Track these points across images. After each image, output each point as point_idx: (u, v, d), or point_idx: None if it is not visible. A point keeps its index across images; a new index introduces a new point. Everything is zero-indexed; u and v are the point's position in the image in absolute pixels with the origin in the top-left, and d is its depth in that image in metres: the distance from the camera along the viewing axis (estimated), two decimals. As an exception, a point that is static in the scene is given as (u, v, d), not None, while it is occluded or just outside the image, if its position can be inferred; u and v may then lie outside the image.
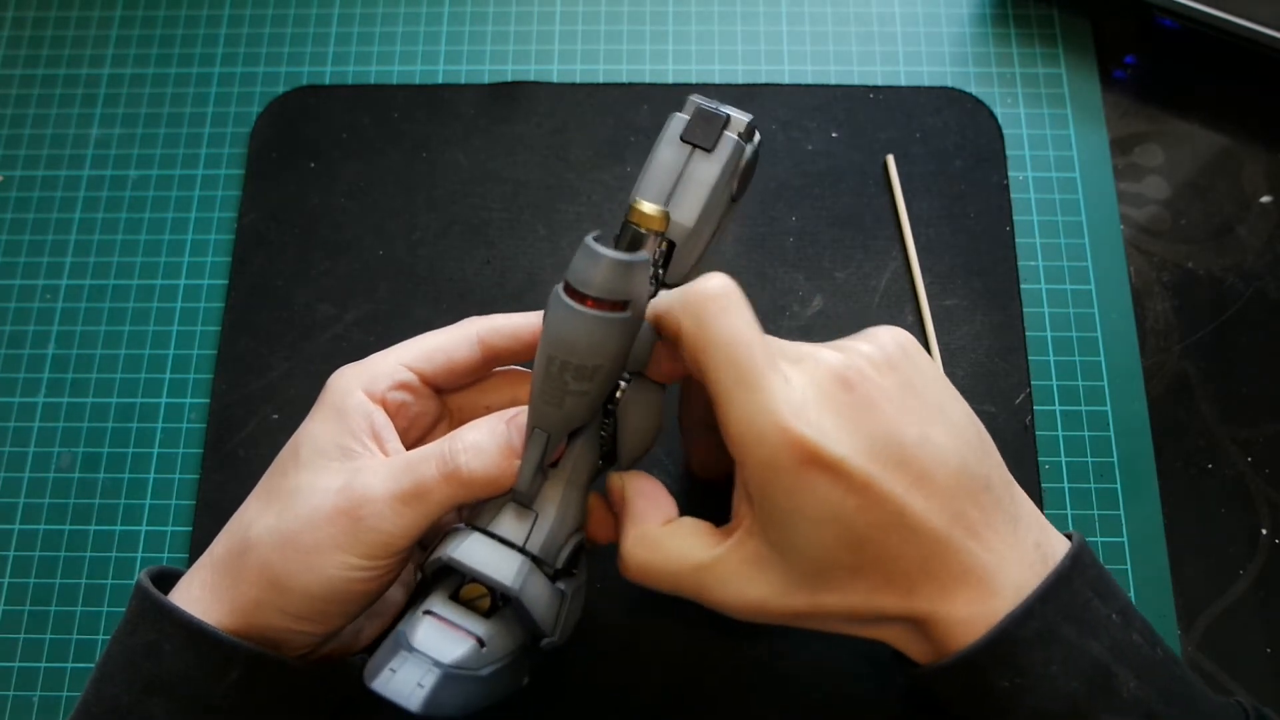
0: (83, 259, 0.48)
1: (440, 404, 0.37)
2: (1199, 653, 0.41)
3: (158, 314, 0.47)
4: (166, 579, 0.34)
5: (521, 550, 0.32)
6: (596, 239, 0.29)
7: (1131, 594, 0.42)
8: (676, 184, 0.33)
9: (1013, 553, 0.30)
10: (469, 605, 0.32)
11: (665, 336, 0.32)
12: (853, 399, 0.29)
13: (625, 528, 0.33)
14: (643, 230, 0.32)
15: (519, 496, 0.32)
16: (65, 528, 0.44)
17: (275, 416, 0.45)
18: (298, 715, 0.34)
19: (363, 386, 0.34)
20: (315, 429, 0.34)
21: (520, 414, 0.33)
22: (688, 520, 0.33)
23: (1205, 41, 0.49)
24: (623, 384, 0.34)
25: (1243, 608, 0.42)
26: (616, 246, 0.32)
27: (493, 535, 0.32)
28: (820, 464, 0.28)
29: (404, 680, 0.29)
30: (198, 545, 0.43)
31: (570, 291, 0.29)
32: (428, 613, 0.32)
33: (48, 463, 0.45)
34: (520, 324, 0.36)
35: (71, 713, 0.32)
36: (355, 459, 0.33)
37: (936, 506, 0.29)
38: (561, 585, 0.33)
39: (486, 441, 0.32)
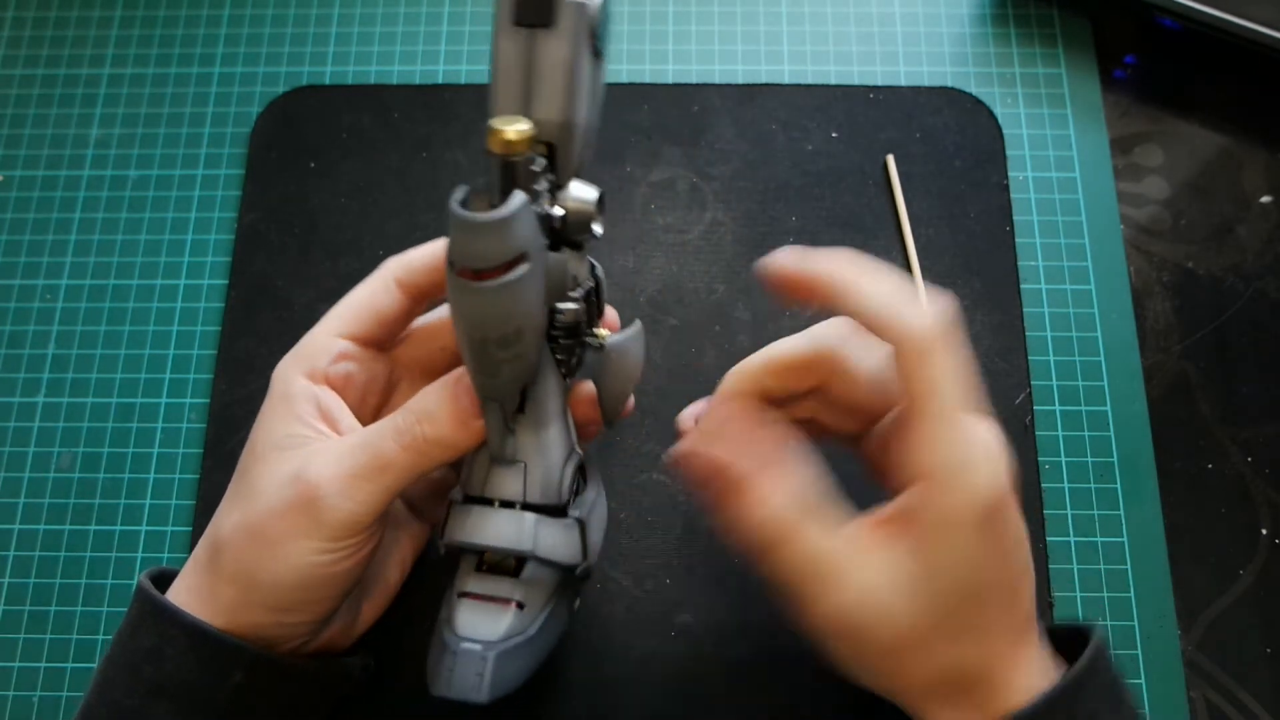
0: (83, 259, 0.48)
1: (388, 362, 0.37)
2: (1199, 653, 0.41)
3: (158, 314, 0.47)
4: (164, 579, 0.34)
5: (523, 505, 0.32)
6: (463, 202, 0.26)
7: (1131, 594, 0.42)
8: (529, 79, 0.29)
9: (1040, 658, 0.31)
10: (498, 569, 0.32)
11: (878, 335, 0.30)
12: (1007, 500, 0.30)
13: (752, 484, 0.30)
14: (512, 157, 0.27)
15: (499, 459, 0.32)
16: (65, 528, 0.44)
17: (275, 416, 0.45)
18: (299, 716, 0.34)
19: (303, 371, 0.34)
20: (265, 422, 0.34)
21: (464, 376, 0.32)
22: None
23: (1205, 41, 0.49)
24: (594, 341, 0.33)
25: (1243, 608, 0.42)
26: (490, 186, 0.28)
27: (490, 501, 0.32)
28: (1005, 514, 0.29)
29: (463, 677, 0.29)
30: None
31: (457, 270, 0.26)
32: (461, 595, 0.32)
33: (48, 463, 0.45)
34: (431, 253, 0.35)
35: (74, 716, 0.32)
36: (308, 444, 0.32)
37: (1032, 603, 0.31)
38: (574, 513, 0.33)
39: (436, 408, 0.32)
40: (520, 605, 0.31)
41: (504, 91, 0.29)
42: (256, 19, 0.53)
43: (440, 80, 0.51)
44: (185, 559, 0.42)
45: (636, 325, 0.35)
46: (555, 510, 0.32)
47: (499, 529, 0.31)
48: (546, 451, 0.32)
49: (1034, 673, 0.31)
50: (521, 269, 0.26)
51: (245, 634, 0.32)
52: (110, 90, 0.51)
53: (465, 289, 0.26)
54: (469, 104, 0.50)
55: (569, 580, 0.33)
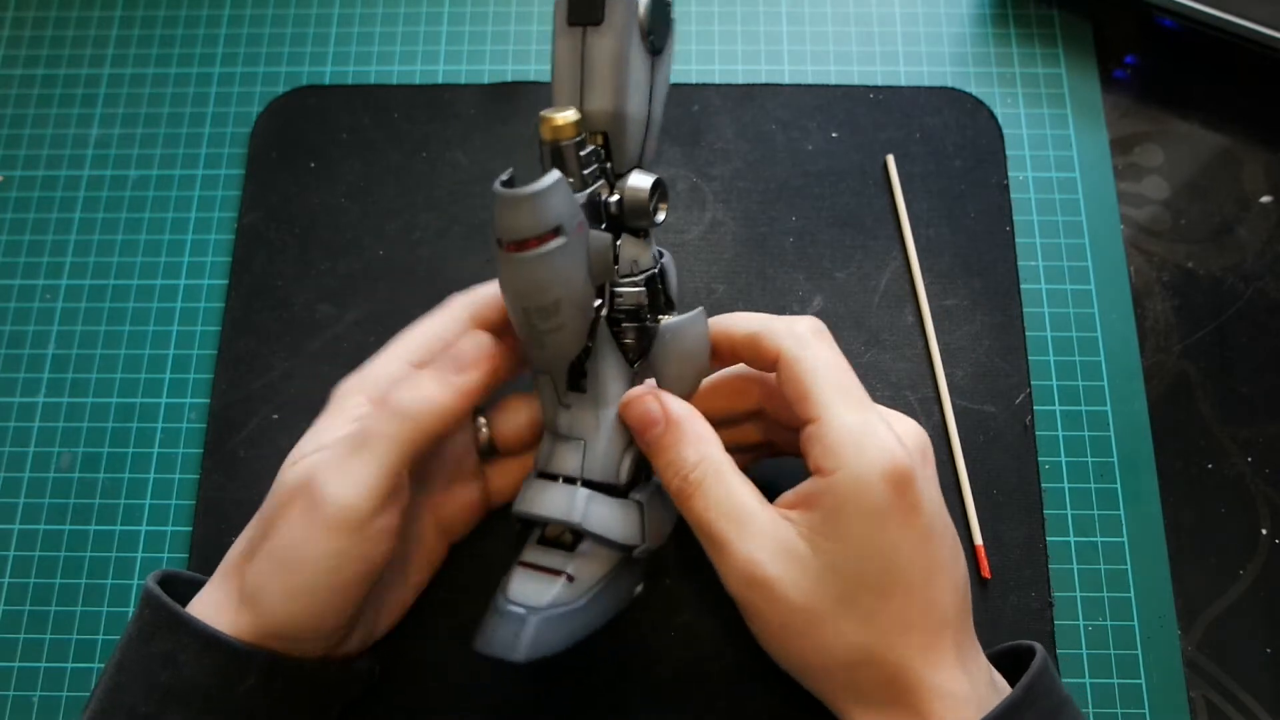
0: (83, 259, 0.48)
1: None
2: (1199, 653, 0.41)
3: (158, 314, 0.47)
4: (169, 582, 0.34)
5: (583, 482, 0.33)
6: (505, 182, 0.29)
7: (1131, 594, 0.42)
8: (583, 73, 0.31)
9: (979, 684, 0.31)
10: (556, 544, 0.34)
11: (755, 357, 0.34)
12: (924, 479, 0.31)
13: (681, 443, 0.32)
14: (561, 142, 0.30)
15: (554, 432, 0.34)
16: (65, 528, 0.44)
17: (275, 416, 0.45)
18: (311, 717, 0.35)
19: (363, 390, 0.34)
20: (310, 434, 0.34)
21: (463, 339, 0.33)
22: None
23: (1205, 41, 0.49)
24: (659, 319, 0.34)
25: (1243, 608, 0.42)
26: (543, 169, 0.30)
27: (550, 475, 0.33)
28: (905, 493, 0.30)
29: (502, 637, 0.31)
30: (198, 545, 0.43)
31: (501, 244, 0.29)
32: (520, 564, 0.34)
33: (48, 463, 0.45)
34: (495, 290, 0.36)
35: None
36: None
37: (952, 605, 0.31)
38: (636, 495, 0.34)
39: (421, 375, 0.32)
40: (570, 578, 0.33)
41: (560, 86, 0.31)
42: (256, 19, 0.53)
43: (440, 80, 0.51)
44: (185, 559, 0.43)
45: (698, 310, 0.35)
46: (615, 490, 0.34)
47: (551, 500, 0.33)
48: (607, 432, 0.34)
49: (958, 679, 0.30)
50: (556, 242, 0.29)
51: (275, 644, 0.32)
52: (110, 90, 0.51)
53: (507, 260, 0.29)
54: (469, 104, 0.50)
55: (630, 562, 0.34)
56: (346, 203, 0.48)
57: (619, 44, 0.30)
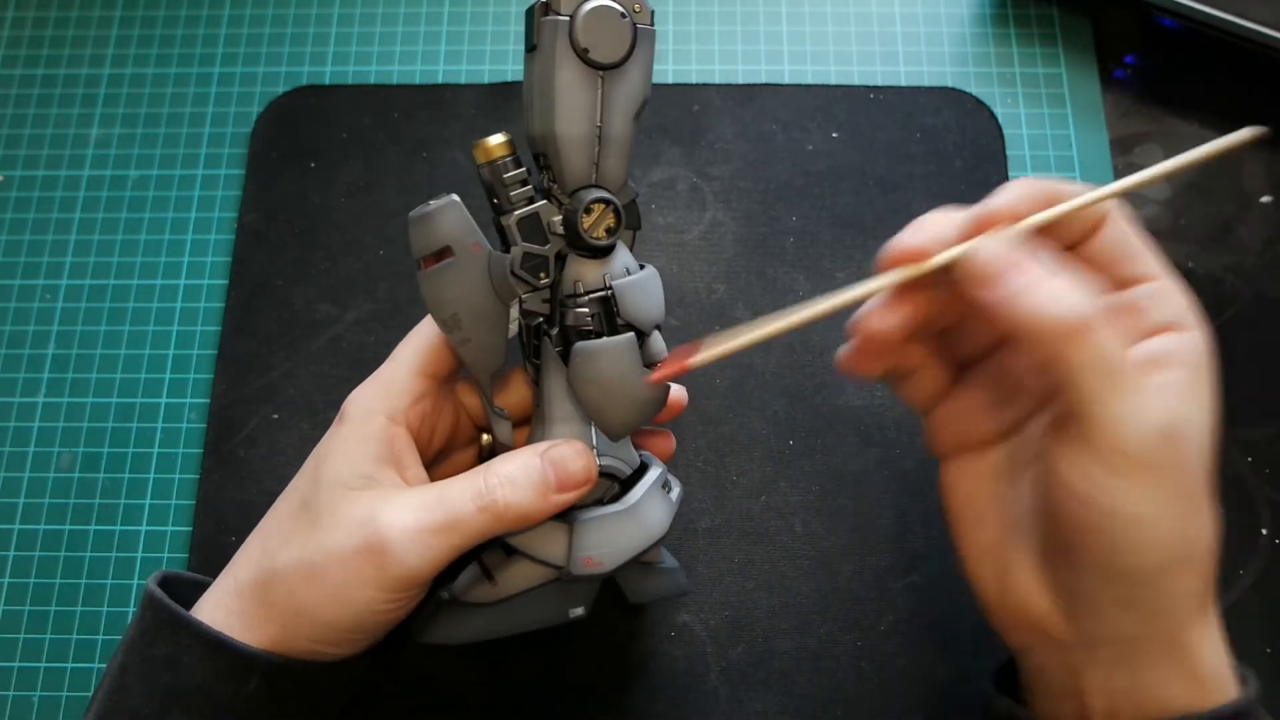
0: (83, 259, 0.48)
1: (454, 397, 0.37)
2: (1199, 653, 0.41)
3: (158, 314, 0.47)
4: (170, 584, 0.34)
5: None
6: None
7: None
8: (526, 96, 0.32)
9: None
10: (504, 546, 0.34)
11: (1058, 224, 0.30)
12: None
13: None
14: (490, 164, 0.32)
15: (495, 443, 0.35)
16: (65, 528, 0.44)
17: (275, 416, 0.45)
18: (313, 716, 0.35)
19: (384, 410, 0.34)
20: (335, 454, 0.33)
21: (554, 447, 0.33)
22: None
23: (1205, 41, 0.49)
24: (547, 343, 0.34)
25: (1243, 608, 0.42)
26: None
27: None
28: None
29: (420, 618, 0.35)
30: (198, 545, 0.43)
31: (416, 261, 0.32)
32: (476, 560, 0.35)
33: (48, 463, 0.45)
34: None
35: None
36: (377, 487, 0.32)
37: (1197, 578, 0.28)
38: (582, 517, 0.34)
39: (520, 475, 0.32)
40: (492, 579, 0.34)
41: (524, 111, 0.32)
42: (256, 19, 0.53)
43: (440, 80, 0.51)
44: (185, 559, 0.43)
45: (627, 336, 0.33)
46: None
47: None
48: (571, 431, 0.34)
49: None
50: (446, 261, 0.31)
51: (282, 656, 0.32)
52: (110, 90, 0.51)
53: (419, 276, 0.32)
54: (469, 104, 0.50)
55: (570, 582, 0.34)
56: (346, 203, 0.48)
57: (544, 66, 0.31)
